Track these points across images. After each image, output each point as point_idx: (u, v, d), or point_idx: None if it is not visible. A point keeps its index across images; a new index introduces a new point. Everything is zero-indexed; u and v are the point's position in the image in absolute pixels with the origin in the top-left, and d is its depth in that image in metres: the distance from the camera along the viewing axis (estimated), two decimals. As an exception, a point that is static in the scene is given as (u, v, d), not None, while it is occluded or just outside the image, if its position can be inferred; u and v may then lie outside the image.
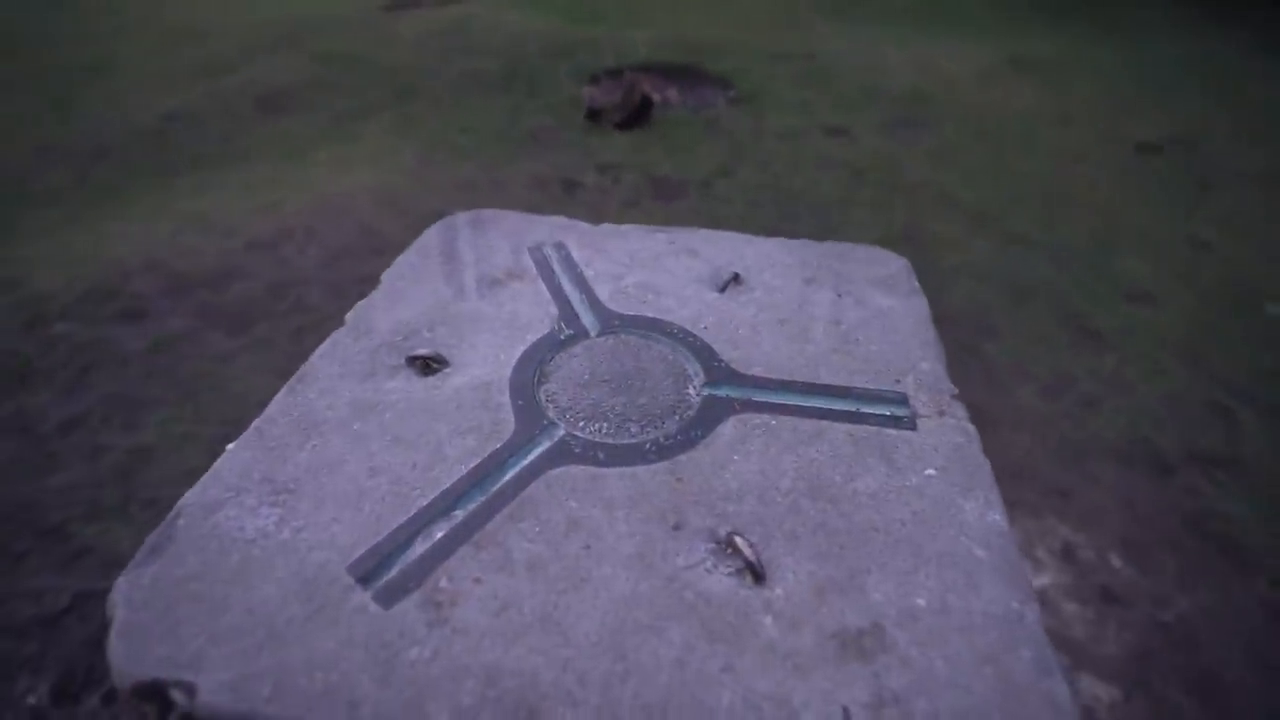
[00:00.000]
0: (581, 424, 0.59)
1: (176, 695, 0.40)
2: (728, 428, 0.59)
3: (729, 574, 0.47)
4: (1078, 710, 0.40)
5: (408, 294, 0.73)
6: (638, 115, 4.18)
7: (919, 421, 0.59)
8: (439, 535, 0.49)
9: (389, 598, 0.45)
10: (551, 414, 0.59)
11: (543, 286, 0.75)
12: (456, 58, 4.66)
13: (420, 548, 0.48)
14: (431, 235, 0.84)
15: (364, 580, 0.46)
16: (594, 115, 4.06)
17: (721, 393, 0.62)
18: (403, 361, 0.64)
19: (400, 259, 0.80)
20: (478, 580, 0.46)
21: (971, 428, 0.59)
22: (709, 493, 0.53)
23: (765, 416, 0.60)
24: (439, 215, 0.89)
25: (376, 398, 0.60)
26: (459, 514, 0.50)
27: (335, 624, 0.43)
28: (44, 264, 1.90)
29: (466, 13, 5.60)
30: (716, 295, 0.75)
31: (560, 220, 0.88)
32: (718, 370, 0.65)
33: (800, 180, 2.53)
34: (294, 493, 0.51)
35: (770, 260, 0.81)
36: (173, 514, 0.50)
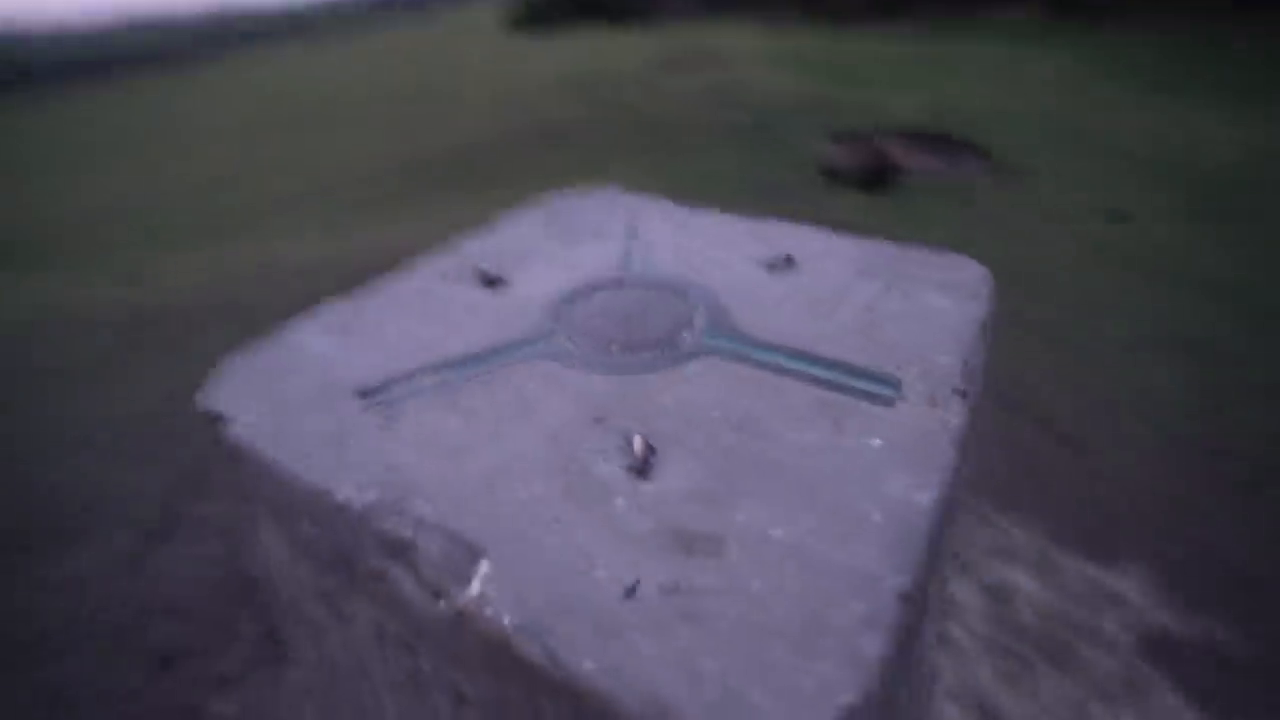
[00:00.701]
0: (576, 339, 0.66)
1: (221, 422, 0.56)
2: (696, 365, 0.61)
3: (619, 466, 0.50)
4: (875, 671, 0.35)
5: (504, 232, 0.89)
6: (879, 177, 4.13)
7: (899, 404, 0.55)
8: (426, 382, 0.61)
9: (365, 408, 0.57)
10: (558, 327, 0.68)
11: (614, 246, 0.85)
12: (711, 111, 5.05)
13: (405, 386, 0.60)
14: (555, 198, 0.99)
15: (360, 394, 0.59)
16: (833, 174, 4.10)
17: (711, 342, 0.65)
18: (474, 276, 0.79)
19: (521, 210, 0.96)
20: (424, 412, 0.56)
21: (957, 422, 0.53)
22: (642, 405, 0.56)
23: (737, 365, 0.61)
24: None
25: (443, 292, 0.75)
26: (447, 373, 0.62)
27: (325, 412, 0.57)
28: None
29: (732, 75, 6.05)
30: (762, 273, 0.77)
31: (668, 203, 0.97)
32: (720, 326, 0.67)
33: (1052, 264, 2.22)
34: (352, 335, 0.68)
35: (834, 251, 0.80)
36: (274, 331, 0.69)
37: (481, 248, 0.85)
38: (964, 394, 0.57)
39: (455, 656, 0.43)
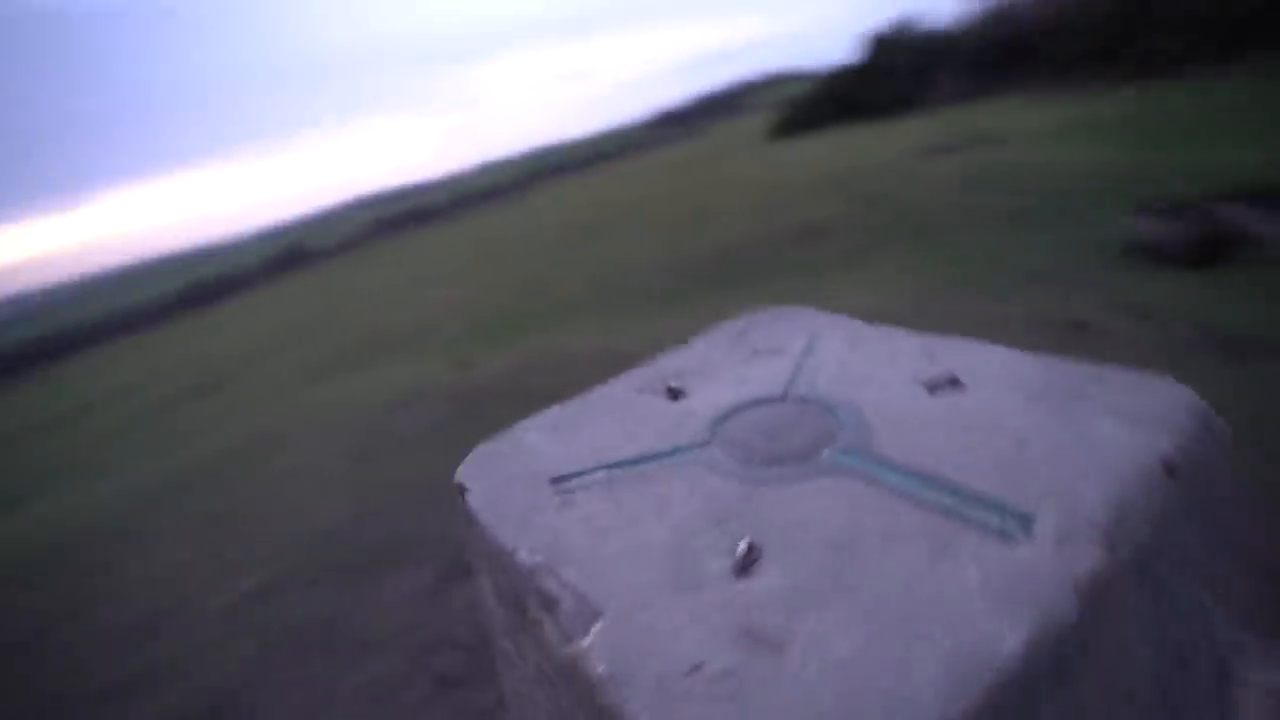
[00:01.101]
0: (726, 449, 0.77)
1: (463, 492, 0.80)
2: (824, 481, 0.66)
3: (724, 564, 0.59)
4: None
5: (695, 349, 1.04)
6: (1213, 251, 3.54)
7: (1020, 541, 0.53)
8: (599, 476, 0.77)
9: (554, 492, 0.76)
10: (713, 438, 0.80)
11: (784, 363, 0.94)
12: (980, 195, 4.72)
13: (584, 478, 0.77)
14: (742, 319, 1.12)
15: (552, 481, 0.78)
16: (1147, 251, 3.61)
17: (844, 460, 0.69)
18: (663, 388, 0.95)
19: (712, 331, 1.11)
20: (590, 501, 0.72)
21: (1085, 566, 0.50)
22: (763, 512, 0.64)
23: (864, 484, 0.65)
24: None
25: (633, 401, 0.93)
26: (616, 470, 0.77)
27: (526, 490, 0.77)
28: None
29: (1007, 153, 5.60)
30: (921, 392, 0.78)
31: (843, 319, 1.03)
32: (859, 446, 0.71)
33: None
34: (558, 433, 0.88)
35: (1007, 371, 0.77)
36: (510, 430, 0.94)
37: (674, 363, 1.02)
38: (1106, 538, 0.52)
39: (574, 694, 0.55)
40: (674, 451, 0.79)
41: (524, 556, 0.65)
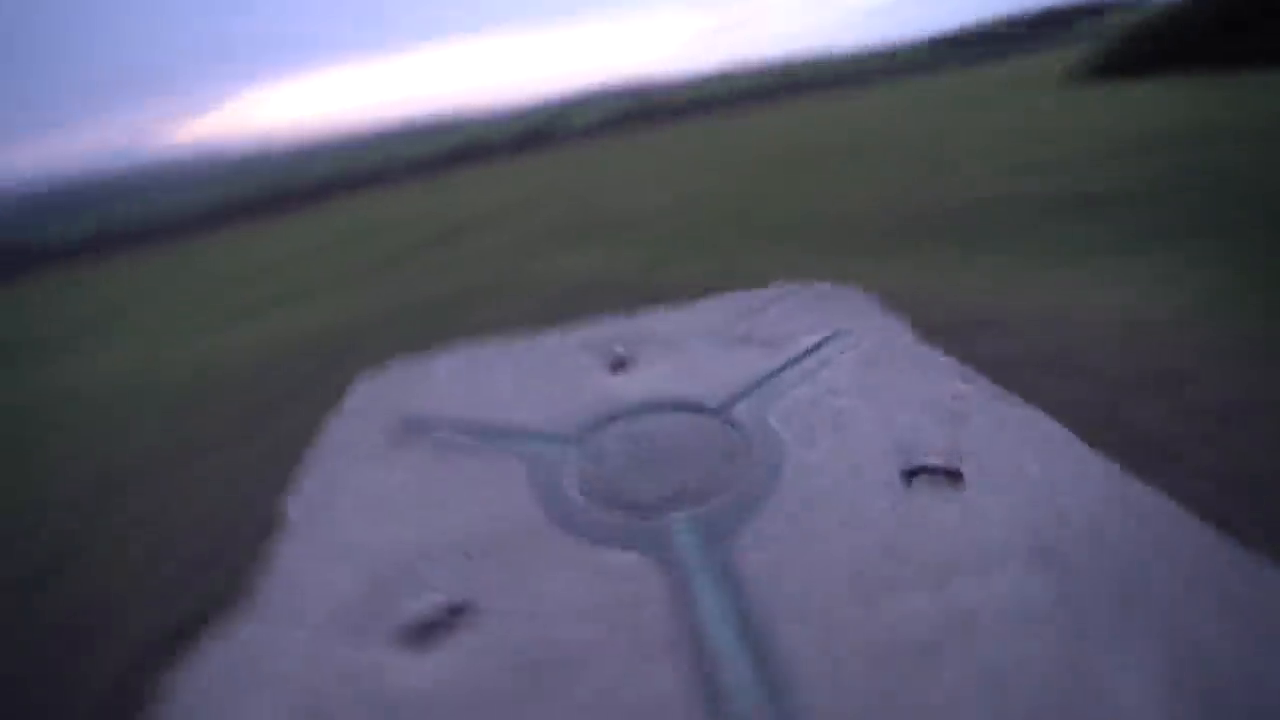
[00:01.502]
0: (583, 459, 0.58)
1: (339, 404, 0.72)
2: (617, 559, 0.45)
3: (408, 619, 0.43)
4: None
5: (687, 316, 0.82)
6: None
7: None
8: (443, 433, 0.63)
9: (398, 433, 0.64)
10: (583, 439, 0.60)
11: (764, 364, 0.68)
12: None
13: (436, 432, 0.64)
14: (773, 288, 0.85)
15: (406, 423, 0.66)
16: None
17: (681, 545, 0.46)
18: (610, 354, 0.76)
19: (732, 296, 0.86)
20: (411, 459, 0.59)
21: None
22: (509, 563, 0.45)
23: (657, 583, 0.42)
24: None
25: (565, 360, 0.76)
26: (463, 437, 0.63)
27: (375, 426, 0.66)
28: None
29: None
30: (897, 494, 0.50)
31: (895, 323, 0.72)
32: (722, 535, 0.47)
33: None
34: (469, 369, 0.76)
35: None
36: (432, 352, 0.82)
37: (654, 324, 0.81)
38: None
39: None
40: (535, 438, 0.61)
41: (297, 500, 0.55)
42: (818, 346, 0.69)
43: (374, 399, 0.71)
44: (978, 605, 0.36)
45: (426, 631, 0.41)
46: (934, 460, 0.48)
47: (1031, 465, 0.47)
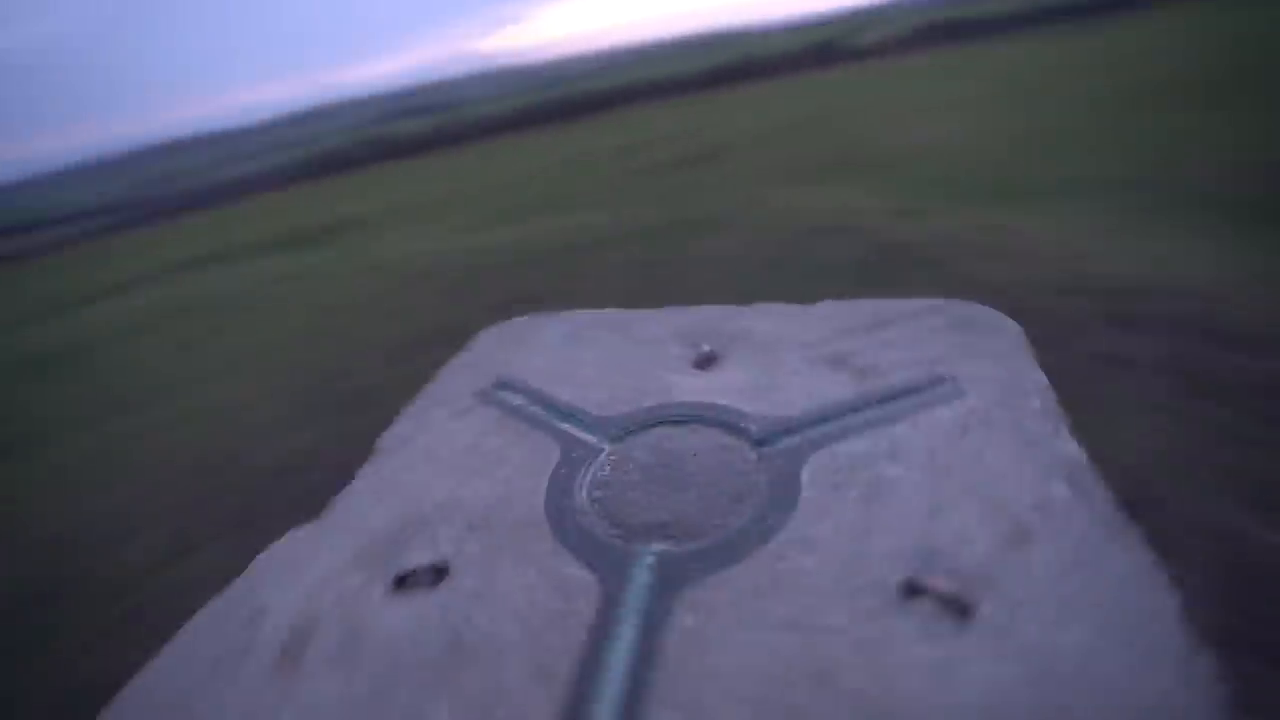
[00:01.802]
0: (608, 465, 0.59)
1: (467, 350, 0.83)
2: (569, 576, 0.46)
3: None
4: None
5: (802, 318, 0.75)
6: None
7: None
8: (519, 400, 0.69)
9: (488, 389, 0.72)
10: (615, 446, 0.61)
11: (846, 388, 0.60)
12: None
13: (512, 395, 0.71)
14: (943, 301, 0.73)
15: (496, 384, 0.74)
16: None
17: (635, 583, 0.46)
18: (695, 347, 0.74)
19: (873, 303, 0.76)
20: (474, 420, 0.67)
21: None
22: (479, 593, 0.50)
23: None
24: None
25: (650, 349, 0.76)
26: (534, 409, 0.68)
27: (473, 379, 0.75)
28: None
29: None
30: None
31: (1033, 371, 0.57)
32: (681, 577, 0.45)
33: None
34: (567, 341, 0.80)
35: None
36: (552, 314, 0.88)
37: (751, 322, 0.76)
38: None
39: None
40: (582, 426, 0.64)
41: (386, 437, 0.67)
42: (910, 391, 0.59)
43: (483, 354, 0.80)
44: None
45: (411, 582, 0.49)
46: (942, 583, 0.40)
47: (1075, 625, 0.36)
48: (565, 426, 0.64)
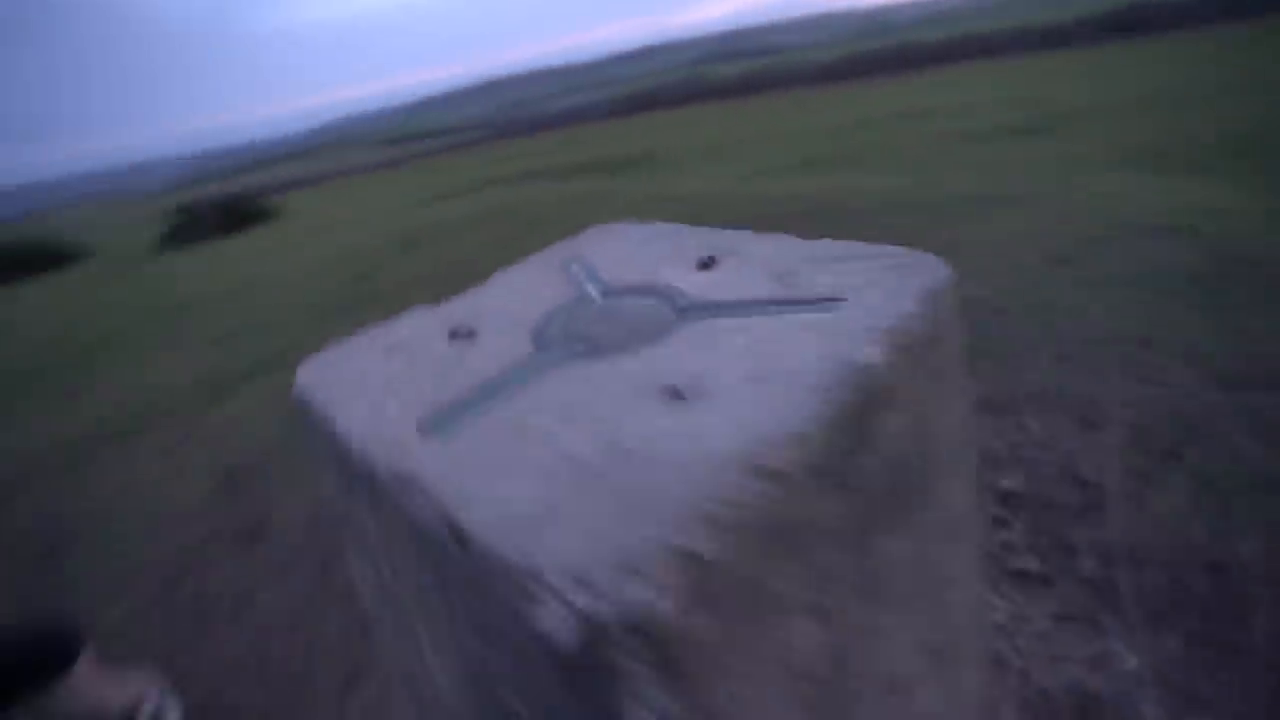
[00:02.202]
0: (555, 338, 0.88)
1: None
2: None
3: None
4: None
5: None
6: None
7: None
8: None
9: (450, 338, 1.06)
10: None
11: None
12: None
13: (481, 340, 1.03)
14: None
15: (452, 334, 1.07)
16: None
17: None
18: (574, 272, 0.96)
19: None
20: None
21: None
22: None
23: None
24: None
25: (547, 278, 1.00)
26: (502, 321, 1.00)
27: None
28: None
29: None
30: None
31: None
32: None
33: None
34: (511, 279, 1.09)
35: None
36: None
37: (759, 245, 0.95)
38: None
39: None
40: (597, 289, 0.93)
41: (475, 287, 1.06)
42: (802, 302, 0.75)
43: (580, 240, 1.13)
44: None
45: (458, 336, 0.86)
46: (685, 391, 0.62)
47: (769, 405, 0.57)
48: (588, 286, 0.95)
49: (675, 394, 0.63)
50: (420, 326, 0.93)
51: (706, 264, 0.94)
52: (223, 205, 21.08)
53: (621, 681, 0.44)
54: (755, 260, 0.91)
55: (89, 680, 1.95)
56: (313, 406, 0.80)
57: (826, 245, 0.90)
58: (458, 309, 0.96)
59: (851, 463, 0.62)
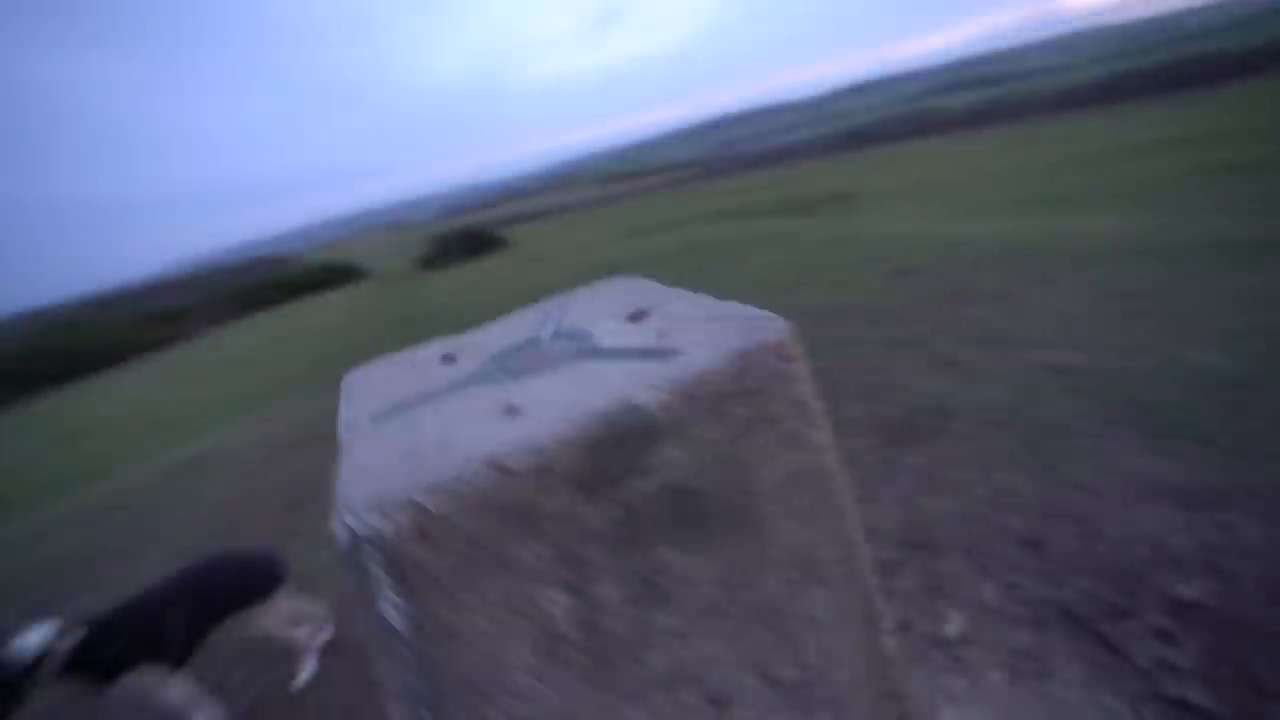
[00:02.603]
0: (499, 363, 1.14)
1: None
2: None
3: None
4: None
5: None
6: None
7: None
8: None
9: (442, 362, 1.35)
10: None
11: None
12: None
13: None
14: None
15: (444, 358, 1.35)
16: None
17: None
18: (557, 328, 1.18)
19: None
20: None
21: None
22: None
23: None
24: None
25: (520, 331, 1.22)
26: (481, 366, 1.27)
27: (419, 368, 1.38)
28: None
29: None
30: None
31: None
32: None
33: None
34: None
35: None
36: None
37: (673, 301, 1.14)
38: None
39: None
40: (561, 336, 1.20)
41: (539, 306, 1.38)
42: (646, 352, 0.94)
43: (584, 291, 1.40)
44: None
45: (448, 360, 1.18)
46: (518, 409, 0.86)
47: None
48: (545, 330, 1.22)
49: (512, 410, 0.88)
50: (432, 351, 1.27)
51: (636, 317, 1.15)
52: (464, 236, 25.05)
53: (371, 579, 0.71)
54: (664, 315, 1.11)
55: (285, 608, 2.62)
56: (343, 396, 1.17)
57: (717, 306, 1.07)
58: (462, 340, 1.29)
59: (620, 480, 0.81)
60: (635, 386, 0.85)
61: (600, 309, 1.24)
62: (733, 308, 1.03)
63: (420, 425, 0.91)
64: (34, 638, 2.09)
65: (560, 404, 0.86)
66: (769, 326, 0.93)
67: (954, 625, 2.05)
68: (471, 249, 24.60)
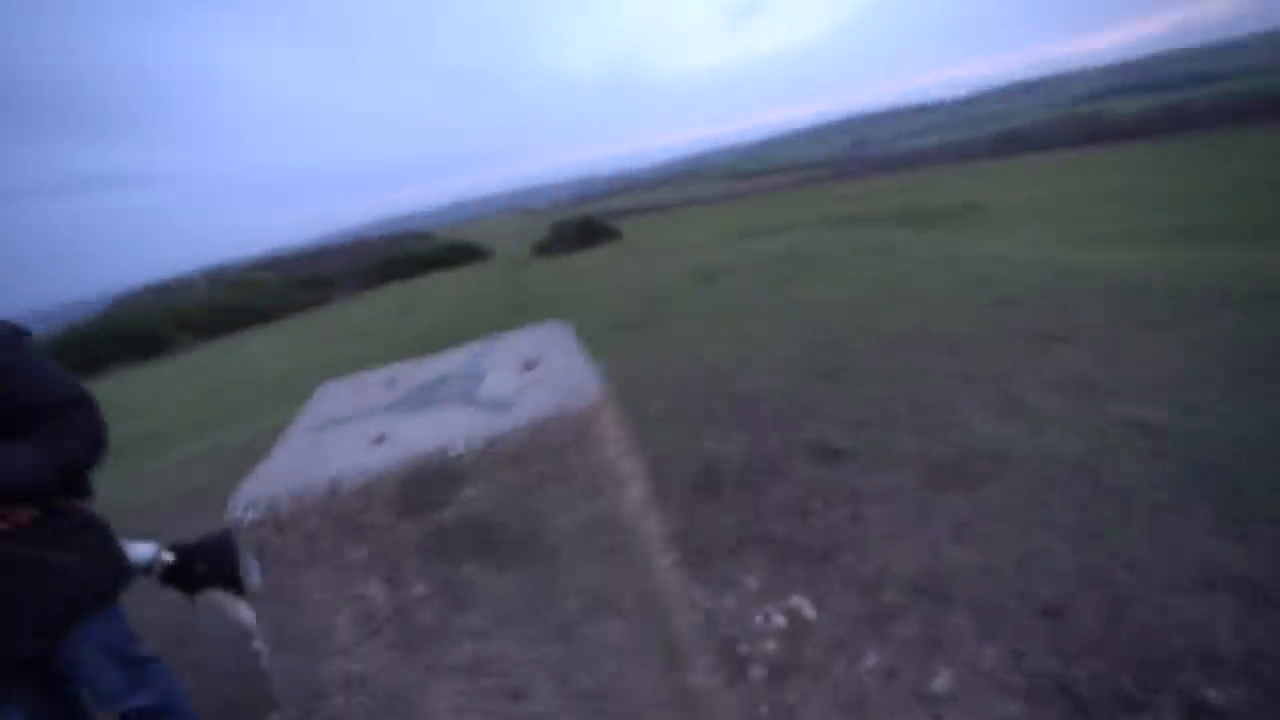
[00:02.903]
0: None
1: None
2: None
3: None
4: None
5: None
6: None
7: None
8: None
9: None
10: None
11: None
12: None
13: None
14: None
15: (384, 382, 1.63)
16: None
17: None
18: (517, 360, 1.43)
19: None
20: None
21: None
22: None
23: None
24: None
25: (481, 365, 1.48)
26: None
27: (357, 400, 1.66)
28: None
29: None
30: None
31: None
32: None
33: None
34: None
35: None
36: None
37: (562, 351, 1.37)
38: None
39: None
40: (480, 392, 1.48)
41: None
42: (497, 406, 1.19)
43: (533, 330, 1.67)
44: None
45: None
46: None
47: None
48: (470, 366, 1.50)
49: (380, 440, 1.17)
50: (385, 375, 1.60)
51: (529, 365, 1.41)
52: (578, 225, 26.05)
53: (247, 556, 1.03)
54: (544, 369, 1.35)
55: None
56: (308, 403, 1.53)
57: (566, 368, 1.30)
58: (407, 368, 1.61)
59: (429, 507, 1.07)
60: (463, 434, 1.11)
61: (513, 354, 1.50)
62: (570, 373, 1.25)
63: (320, 442, 1.23)
64: (144, 551, 2.70)
65: (413, 441, 1.14)
66: (581, 392, 1.15)
67: (942, 681, 1.97)
68: (585, 238, 25.57)
